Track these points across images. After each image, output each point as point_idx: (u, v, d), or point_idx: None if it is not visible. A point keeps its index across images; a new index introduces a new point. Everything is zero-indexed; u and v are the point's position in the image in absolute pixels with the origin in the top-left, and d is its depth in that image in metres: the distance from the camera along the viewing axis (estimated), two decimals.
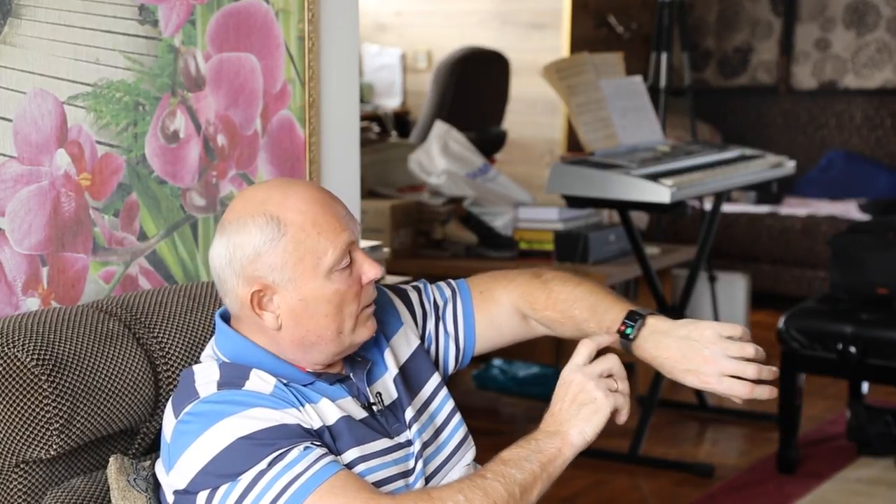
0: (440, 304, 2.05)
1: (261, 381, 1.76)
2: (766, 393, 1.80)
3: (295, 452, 1.67)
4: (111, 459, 1.84)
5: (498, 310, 2.04)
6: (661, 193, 3.84)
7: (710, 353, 1.79)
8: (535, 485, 1.71)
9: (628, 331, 1.86)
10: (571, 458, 1.74)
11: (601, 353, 1.80)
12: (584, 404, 1.73)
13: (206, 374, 1.79)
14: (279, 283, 1.76)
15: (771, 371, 1.80)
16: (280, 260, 1.76)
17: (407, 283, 2.14)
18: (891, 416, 4.08)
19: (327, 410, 1.79)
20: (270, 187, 1.82)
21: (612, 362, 1.77)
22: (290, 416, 1.72)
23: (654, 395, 4.19)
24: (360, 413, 1.83)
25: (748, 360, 1.79)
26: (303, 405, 1.76)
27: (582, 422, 1.73)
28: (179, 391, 1.80)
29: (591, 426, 1.73)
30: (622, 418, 1.76)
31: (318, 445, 1.71)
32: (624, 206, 4.04)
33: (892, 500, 3.79)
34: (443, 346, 2.04)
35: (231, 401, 1.72)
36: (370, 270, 1.81)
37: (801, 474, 4.01)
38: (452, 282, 2.09)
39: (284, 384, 1.78)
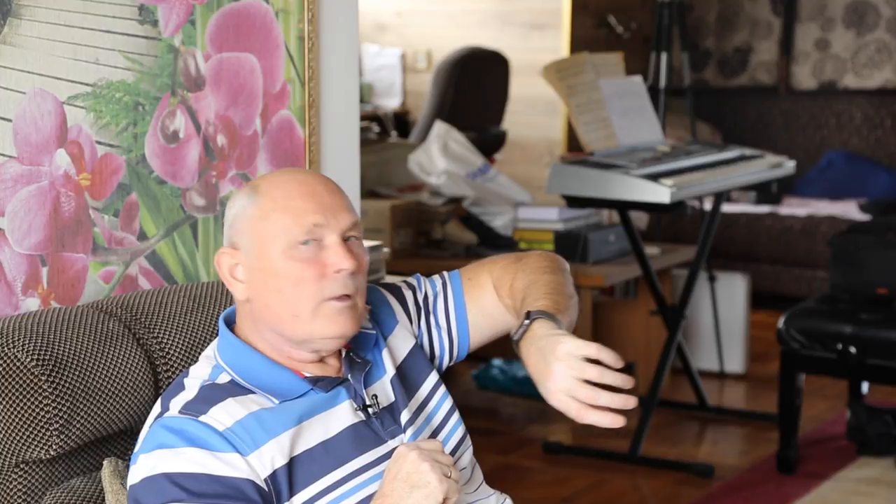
0: (430, 297, 2.01)
1: (224, 415, 1.72)
2: (607, 420, 1.66)
3: None
4: (105, 462, 1.84)
5: (486, 296, 1.98)
6: (661, 193, 3.84)
7: (555, 368, 1.68)
8: None
9: (515, 334, 1.78)
10: None
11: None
12: (416, 486, 1.63)
13: (186, 389, 1.78)
14: (243, 248, 1.79)
15: (613, 399, 1.66)
16: (247, 225, 1.79)
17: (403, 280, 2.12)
18: (891, 416, 4.08)
19: (307, 434, 1.75)
20: (279, 170, 1.90)
21: (440, 447, 1.69)
22: (221, 465, 1.68)
23: (654, 395, 4.18)
24: (355, 418, 1.80)
25: (596, 384, 1.67)
26: (258, 447, 1.70)
27: None
28: (166, 394, 1.80)
29: None
30: None
31: None
32: (624, 206, 4.04)
33: (892, 500, 3.79)
34: (436, 340, 1.99)
35: (178, 432, 1.70)
36: (339, 261, 1.76)
37: (801, 474, 4.01)
38: (445, 273, 2.04)
39: (258, 416, 1.73)
